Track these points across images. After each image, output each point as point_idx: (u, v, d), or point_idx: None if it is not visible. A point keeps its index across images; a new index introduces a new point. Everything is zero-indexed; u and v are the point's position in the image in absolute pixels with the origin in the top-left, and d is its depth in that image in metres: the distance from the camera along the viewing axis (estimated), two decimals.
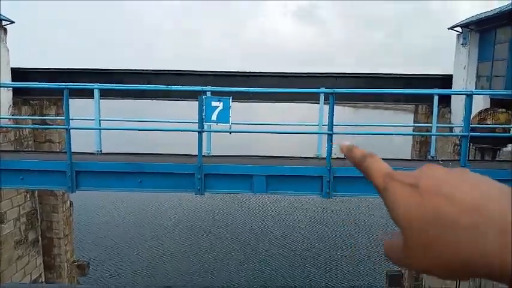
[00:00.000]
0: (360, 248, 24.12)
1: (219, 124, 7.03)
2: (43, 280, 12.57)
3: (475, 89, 10.38)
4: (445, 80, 11.36)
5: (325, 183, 7.01)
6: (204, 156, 7.45)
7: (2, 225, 10.82)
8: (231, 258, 22.35)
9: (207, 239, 24.59)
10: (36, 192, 12.12)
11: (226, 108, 6.47)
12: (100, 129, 7.57)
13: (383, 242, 0.49)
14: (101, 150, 7.71)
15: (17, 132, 11.39)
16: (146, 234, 24.82)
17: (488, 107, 10.19)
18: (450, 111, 11.33)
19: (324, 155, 7.30)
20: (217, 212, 28.91)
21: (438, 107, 8.75)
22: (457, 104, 10.76)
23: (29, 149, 11.65)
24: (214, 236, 24.95)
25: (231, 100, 6.54)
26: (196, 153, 7.13)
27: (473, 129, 7.63)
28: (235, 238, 24.86)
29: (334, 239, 25.25)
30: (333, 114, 6.42)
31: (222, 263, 21.97)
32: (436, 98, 7.69)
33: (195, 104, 7.09)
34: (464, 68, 10.72)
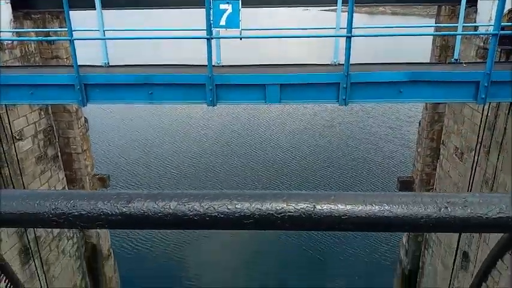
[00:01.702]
0: (372, 157, 24.49)
1: (228, 30, 6.61)
2: None
3: None
4: None
5: (341, 90, 6.73)
6: (215, 66, 7.15)
7: (21, 142, 11.03)
8: (240, 169, 23.03)
9: (219, 151, 25.13)
10: (50, 109, 12.14)
11: (236, 10, 6.00)
12: (104, 39, 7.23)
13: None
14: (108, 63, 7.45)
15: (23, 49, 11.08)
16: (156, 150, 25.44)
17: None
18: (476, 11, 10.56)
19: (341, 62, 6.92)
20: (228, 126, 29.18)
21: (464, 5, 8.07)
22: (485, 3, 9.96)
23: (36, 65, 11.44)
24: (226, 149, 25.46)
25: (240, 1, 6.05)
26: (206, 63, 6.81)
27: (502, 29, 7.10)
28: (245, 151, 25.34)
29: (347, 149, 25.57)
30: (352, 15, 5.93)
31: (231, 172, 22.73)
32: None
33: (200, 12, 6.60)
34: None
